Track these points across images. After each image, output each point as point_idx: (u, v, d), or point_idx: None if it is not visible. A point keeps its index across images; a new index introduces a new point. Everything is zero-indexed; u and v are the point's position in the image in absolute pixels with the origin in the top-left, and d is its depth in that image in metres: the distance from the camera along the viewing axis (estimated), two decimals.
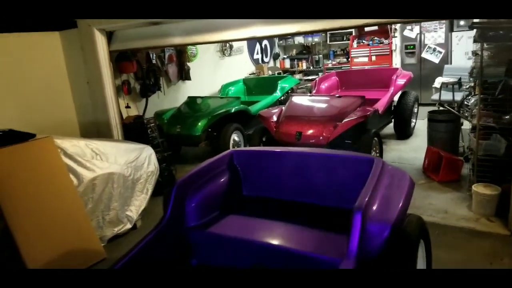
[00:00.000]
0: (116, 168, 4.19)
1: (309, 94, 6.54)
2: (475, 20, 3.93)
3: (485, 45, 3.88)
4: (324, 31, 7.80)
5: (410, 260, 2.24)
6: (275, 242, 2.57)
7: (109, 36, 5.75)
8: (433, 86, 7.47)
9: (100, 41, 5.67)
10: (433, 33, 8.64)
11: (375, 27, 9.10)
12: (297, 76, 9.93)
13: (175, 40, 5.33)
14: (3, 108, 5.14)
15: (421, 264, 2.53)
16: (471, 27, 4.13)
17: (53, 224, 3.57)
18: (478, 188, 3.93)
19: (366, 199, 2.12)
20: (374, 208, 2.14)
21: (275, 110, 5.77)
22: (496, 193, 3.83)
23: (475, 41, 3.89)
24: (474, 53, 4.33)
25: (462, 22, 8.32)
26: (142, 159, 4.57)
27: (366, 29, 9.37)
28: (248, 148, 3.68)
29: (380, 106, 5.81)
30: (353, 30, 9.69)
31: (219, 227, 2.82)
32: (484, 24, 3.84)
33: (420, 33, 8.75)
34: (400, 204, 2.24)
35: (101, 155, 4.19)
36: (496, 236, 3.56)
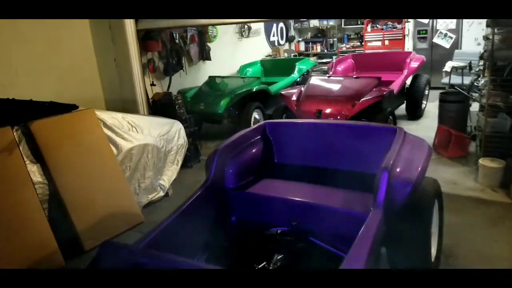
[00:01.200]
0: (150, 139, 4.53)
1: (327, 75, 6.84)
2: None
3: (495, 30, 4.16)
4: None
5: (427, 215, 2.60)
6: (306, 199, 2.92)
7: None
8: (443, 70, 7.72)
9: (128, 20, 5.97)
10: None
11: None
12: (312, 59, 10.18)
13: (202, 20, 5.59)
14: (42, 84, 5.50)
15: (435, 220, 2.89)
16: None
17: (97, 189, 3.91)
18: (484, 162, 4.28)
19: (392, 161, 2.47)
20: (398, 169, 2.48)
21: (295, 90, 6.09)
22: (501, 166, 4.17)
23: (487, 25, 4.17)
24: (486, 37, 4.61)
25: None
26: (173, 133, 4.92)
27: None
28: (280, 120, 4.01)
29: (395, 86, 6.12)
30: None
31: (255, 188, 3.17)
32: None
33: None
34: (420, 166, 2.57)
35: (136, 127, 4.53)
36: (500, 204, 3.92)
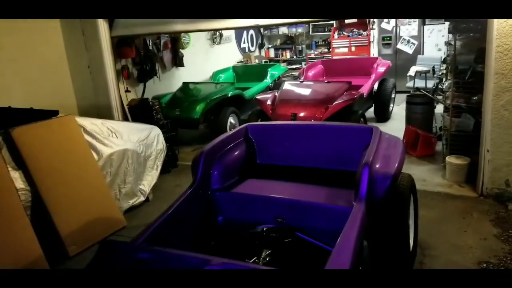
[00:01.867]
0: (130, 145, 4.55)
1: (299, 80, 7.06)
2: None
3: (457, 36, 4.49)
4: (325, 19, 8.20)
5: (405, 207, 2.80)
6: (290, 197, 3.05)
7: (110, 22, 6.04)
8: (408, 74, 8.13)
9: (102, 27, 5.97)
10: (407, 26, 9.32)
11: (355, 20, 9.70)
12: (282, 65, 10.41)
13: (177, 27, 5.67)
14: (12, 89, 5.39)
15: (411, 213, 3.09)
16: (446, 20, 4.72)
17: (80, 194, 3.89)
18: (451, 159, 4.57)
19: (371, 157, 2.65)
20: (378, 164, 2.66)
21: (269, 95, 6.27)
22: (466, 163, 4.48)
23: (449, 32, 4.49)
24: (448, 43, 4.95)
25: None
26: (152, 138, 4.95)
27: (346, 21, 9.96)
28: (261, 122, 4.15)
29: (364, 90, 6.40)
30: (334, 22, 10.25)
31: (240, 188, 3.28)
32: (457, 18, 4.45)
33: (396, 26, 9.41)
34: (397, 162, 2.77)
35: (116, 133, 4.55)
36: (467, 198, 4.21)
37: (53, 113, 4.12)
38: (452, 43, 4.51)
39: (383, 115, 7.27)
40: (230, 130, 6.42)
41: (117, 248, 2.11)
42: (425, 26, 9.19)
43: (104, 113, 6.10)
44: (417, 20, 9.17)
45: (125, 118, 6.28)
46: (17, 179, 3.42)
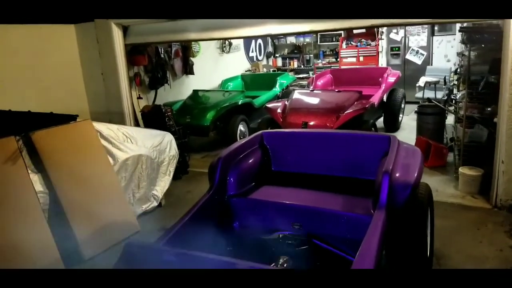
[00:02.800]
0: (144, 150, 4.58)
1: (310, 89, 7.10)
2: (463, 25, 4.57)
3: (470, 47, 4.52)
4: (335, 30, 8.35)
5: (423, 216, 2.81)
6: (307, 204, 3.06)
7: (124, 29, 6.13)
8: (417, 84, 8.17)
9: (117, 34, 6.06)
10: (416, 36, 9.37)
11: (363, 30, 9.78)
12: (290, 74, 10.47)
13: (190, 35, 5.75)
14: (28, 95, 5.47)
15: (428, 221, 3.10)
16: (459, 31, 4.76)
17: (96, 198, 3.93)
18: (464, 170, 4.58)
19: (391, 165, 2.66)
20: (397, 173, 2.68)
21: (279, 104, 6.30)
22: (479, 174, 4.48)
23: (463, 42, 4.52)
24: (461, 54, 4.99)
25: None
26: (165, 144, 4.98)
27: (355, 31, 10.03)
28: (276, 130, 4.17)
29: (375, 100, 6.43)
30: (342, 32, 10.33)
31: (256, 194, 3.30)
32: (471, 29, 4.49)
33: (405, 36, 9.47)
34: (416, 171, 2.78)
35: (131, 138, 4.59)
36: (480, 209, 4.21)
37: (72, 118, 4.17)
38: (466, 53, 4.54)
39: (393, 125, 7.29)
40: (239, 137, 6.48)
41: (142, 250, 2.12)
42: (434, 37, 9.24)
43: (116, 119, 6.14)
44: (426, 30, 9.22)
45: (137, 125, 6.33)
46: (36, 182, 3.46)
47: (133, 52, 6.54)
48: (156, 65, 7.10)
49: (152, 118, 5.81)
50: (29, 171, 3.44)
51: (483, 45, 4.65)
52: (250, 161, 3.55)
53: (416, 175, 2.75)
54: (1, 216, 3.13)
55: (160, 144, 4.90)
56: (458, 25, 6.94)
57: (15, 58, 5.34)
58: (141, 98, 6.76)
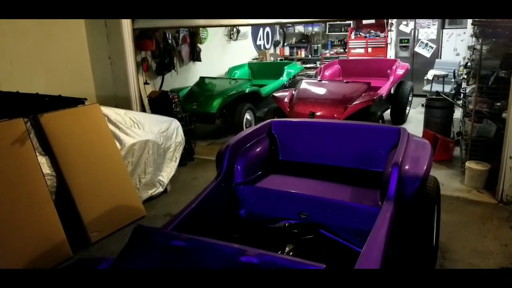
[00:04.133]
0: (151, 136, 4.59)
1: (317, 79, 7.06)
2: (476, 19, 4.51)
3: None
4: (344, 20, 8.19)
5: (431, 209, 2.81)
6: (314, 194, 3.06)
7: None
8: (425, 77, 8.11)
9: (125, 19, 6.01)
10: (426, 29, 9.27)
11: (373, 21, 9.68)
12: (297, 64, 10.41)
13: (199, 21, 5.70)
14: (35, 77, 5.45)
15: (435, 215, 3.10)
16: (472, 24, 4.70)
17: (103, 182, 3.95)
18: (470, 164, 4.56)
19: (400, 158, 2.65)
20: (407, 165, 2.67)
21: (287, 93, 6.27)
22: (486, 169, 4.46)
23: (475, 36, 4.47)
24: (472, 47, 4.93)
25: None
26: (172, 130, 4.99)
27: (364, 22, 9.93)
28: (284, 119, 4.16)
29: (383, 92, 6.39)
30: (351, 22, 10.23)
31: (263, 183, 3.30)
32: (484, 22, 4.43)
33: (415, 28, 9.37)
34: (426, 164, 2.77)
35: (138, 124, 4.60)
36: (486, 204, 4.20)
37: (80, 101, 4.17)
38: (477, 47, 4.49)
39: (400, 118, 7.25)
40: (245, 126, 6.47)
41: (151, 234, 2.13)
42: (444, 30, 9.13)
43: (122, 104, 6.13)
44: (436, 23, 9.11)
45: (143, 110, 6.32)
46: (44, 164, 3.47)
47: (141, 37, 6.50)
48: (164, 50, 7.05)
49: (159, 104, 5.80)
50: (37, 153, 3.45)
51: (494, 40, 4.59)
52: (258, 149, 3.55)
53: (425, 168, 2.74)
54: (8, 197, 3.15)
55: (167, 130, 4.91)
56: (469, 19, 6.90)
57: (24, 40, 5.31)
58: (148, 83, 6.74)
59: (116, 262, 1.99)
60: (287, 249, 2.80)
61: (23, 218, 3.17)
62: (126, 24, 6.02)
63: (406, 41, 9.51)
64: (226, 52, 9.26)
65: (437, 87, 7.50)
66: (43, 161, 3.48)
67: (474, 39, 4.89)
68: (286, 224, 3.15)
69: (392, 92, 7.27)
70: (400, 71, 7.32)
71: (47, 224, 3.30)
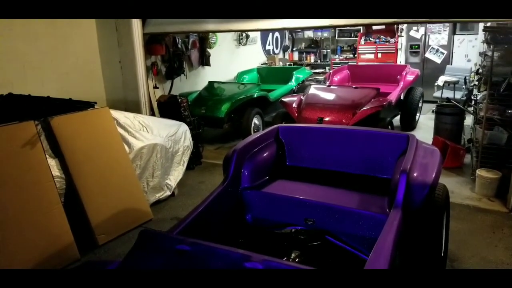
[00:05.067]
0: (160, 140, 4.61)
1: (326, 85, 7.04)
2: (487, 24, 4.47)
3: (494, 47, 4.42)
4: (354, 25, 8.24)
5: (440, 217, 2.77)
6: (321, 200, 3.04)
7: (143, 19, 6.14)
8: (435, 84, 8.04)
9: (136, 23, 6.07)
10: (437, 34, 9.21)
11: (383, 26, 9.64)
12: (306, 69, 10.41)
13: (209, 26, 5.73)
14: (47, 80, 5.52)
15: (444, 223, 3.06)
16: (483, 30, 4.66)
17: (111, 185, 3.96)
18: (481, 172, 4.50)
19: (409, 164, 2.62)
20: (415, 172, 2.63)
21: (295, 98, 6.26)
22: (497, 177, 4.40)
23: (487, 42, 4.43)
24: (483, 54, 4.88)
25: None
26: (180, 134, 5.01)
27: (374, 27, 9.90)
28: (292, 124, 4.15)
29: (393, 98, 6.35)
30: (361, 27, 10.21)
31: (270, 188, 3.28)
32: (495, 28, 4.39)
33: (425, 34, 9.32)
34: (435, 171, 2.74)
35: (147, 127, 4.62)
36: (497, 213, 4.14)
37: (90, 105, 4.21)
38: (488, 53, 4.45)
39: (410, 124, 7.20)
40: (253, 131, 6.47)
41: (157, 238, 2.13)
42: (455, 36, 9.06)
43: (132, 107, 6.18)
44: (447, 29, 9.05)
45: (152, 114, 6.36)
46: (54, 166, 3.50)
47: (151, 42, 6.55)
48: (173, 55, 7.10)
49: (168, 108, 5.83)
50: (47, 156, 3.48)
51: (506, 46, 4.54)
52: (265, 154, 3.54)
53: (434, 175, 2.70)
54: (18, 198, 3.18)
55: (175, 134, 4.93)
56: (481, 25, 6.83)
57: (36, 44, 5.39)
58: (157, 87, 6.78)
59: (121, 266, 2.00)
60: (293, 255, 2.78)
61: (32, 219, 3.20)
62: (137, 29, 6.09)
63: (416, 46, 9.46)
64: (235, 57, 9.29)
65: (447, 94, 7.43)
66: (52, 163, 3.52)
67: (485, 45, 4.84)
68: (293, 230, 3.13)
69: (402, 98, 7.23)
70: (410, 77, 7.28)
71: (56, 226, 3.32)
